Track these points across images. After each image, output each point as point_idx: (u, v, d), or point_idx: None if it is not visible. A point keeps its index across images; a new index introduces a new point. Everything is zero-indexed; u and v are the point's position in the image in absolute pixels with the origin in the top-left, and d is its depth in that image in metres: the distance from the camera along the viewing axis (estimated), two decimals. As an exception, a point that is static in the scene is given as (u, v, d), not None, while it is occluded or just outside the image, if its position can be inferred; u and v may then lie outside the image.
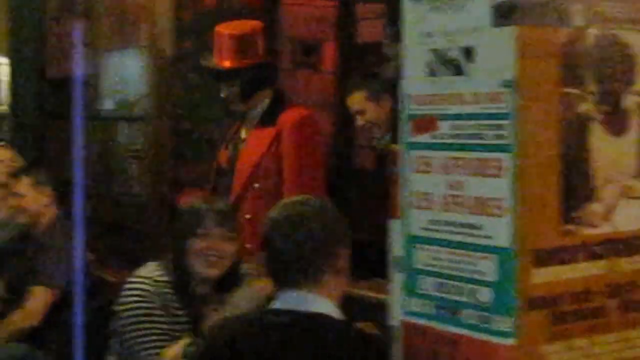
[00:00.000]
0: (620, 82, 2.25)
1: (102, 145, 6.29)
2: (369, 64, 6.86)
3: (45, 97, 7.04)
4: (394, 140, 2.39)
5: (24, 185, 4.99)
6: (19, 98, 7.20)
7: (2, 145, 5.84)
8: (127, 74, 5.96)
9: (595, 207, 2.22)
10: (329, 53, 7.40)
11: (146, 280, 3.62)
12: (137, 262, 3.78)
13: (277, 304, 2.66)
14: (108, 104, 6.17)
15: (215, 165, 4.80)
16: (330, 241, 2.63)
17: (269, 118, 4.61)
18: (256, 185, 4.53)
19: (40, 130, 7.18)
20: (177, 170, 5.82)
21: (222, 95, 4.67)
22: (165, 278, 3.62)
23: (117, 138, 6.10)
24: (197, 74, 5.91)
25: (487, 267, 2.18)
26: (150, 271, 3.66)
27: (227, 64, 4.63)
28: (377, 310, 2.65)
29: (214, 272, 3.59)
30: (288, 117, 4.57)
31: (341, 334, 2.59)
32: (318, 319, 2.59)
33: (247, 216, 4.44)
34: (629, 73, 2.27)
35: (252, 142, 4.62)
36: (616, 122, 2.24)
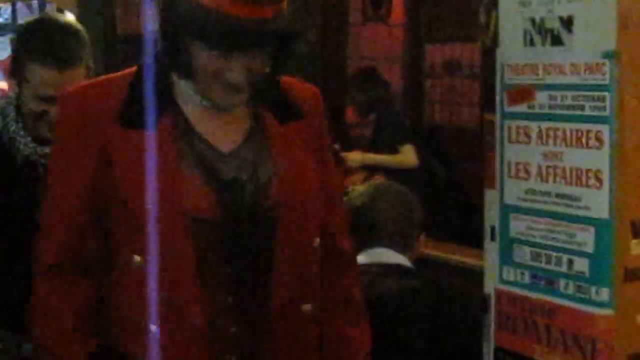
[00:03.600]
0: None
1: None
2: (440, 16, 6.84)
3: (116, 54, 7.09)
4: (489, 109, 2.39)
5: None
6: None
7: None
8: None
9: (694, 178, 2.22)
10: (399, 6, 7.38)
11: None
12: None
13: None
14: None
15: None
16: (418, 222, 2.78)
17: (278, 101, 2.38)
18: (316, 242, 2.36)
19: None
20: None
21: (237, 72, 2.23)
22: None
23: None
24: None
25: (585, 238, 2.18)
26: None
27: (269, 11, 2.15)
28: (474, 278, 2.67)
29: None
30: (312, 95, 2.47)
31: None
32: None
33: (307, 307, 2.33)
34: None
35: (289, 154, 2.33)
36: None
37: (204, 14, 2.09)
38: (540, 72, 2.26)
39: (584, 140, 2.17)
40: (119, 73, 2.37)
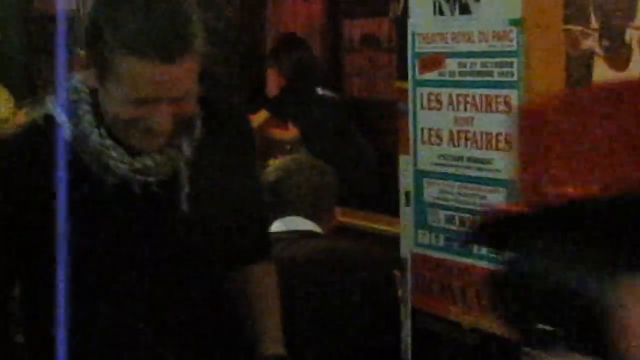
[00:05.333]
0: (622, 17, 2.31)
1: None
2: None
3: (33, 34, 7.02)
4: (402, 77, 2.45)
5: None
6: (5, 35, 7.16)
7: None
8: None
9: (599, 140, 2.29)
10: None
11: None
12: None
13: None
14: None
15: None
16: (333, 195, 2.84)
17: None
18: None
19: (28, 68, 7.16)
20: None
21: None
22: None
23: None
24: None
25: (496, 200, 2.25)
26: None
27: None
28: (390, 243, 2.73)
29: None
30: None
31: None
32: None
33: None
34: (630, 9, 2.32)
35: None
36: (619, 57, 2.30)
37: None
38: (450, 40, 2.32)
39: (493, 105, 2.24)
40: None
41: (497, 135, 2.23)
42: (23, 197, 2.09)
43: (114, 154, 2.10)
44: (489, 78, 2.24)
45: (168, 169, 2.14)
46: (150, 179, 2.13)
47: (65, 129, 2.09)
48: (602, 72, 2.27)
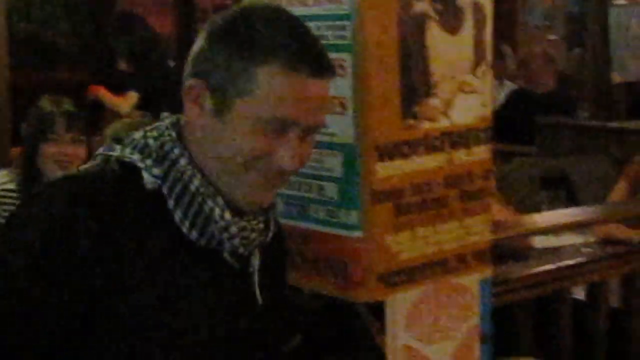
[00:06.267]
0: (455, -20, 2.34)
1: None
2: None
3: None
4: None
5: None
6: None
7: None
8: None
9: (434, 102, 2.32)
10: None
11: None
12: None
13: None
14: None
15: None
16: None
17: None
18: None
19: None
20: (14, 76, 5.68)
21: None
22: (11, 186, 3.58)
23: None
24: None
25: (333, 164, 2.26)
26: None
27: None
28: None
29: None
30: None
31: None
32: None
33: None
34: (463, -28, 2.35)
35: None
36: (451, 20, 2.33)
37: None
38: (284, 3, 2.31)
39: (328, 68, 2.23)
40: None
41: (332, 99, 2.23)
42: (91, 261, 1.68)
43: (220, 203, 1.77)
44: (324, 42, 2.22)
45: (253, 243, 1.86)
46: (242, 250, 1.83)
47: (148, 176, 1.75)
48: (435, 36, 2.30)
